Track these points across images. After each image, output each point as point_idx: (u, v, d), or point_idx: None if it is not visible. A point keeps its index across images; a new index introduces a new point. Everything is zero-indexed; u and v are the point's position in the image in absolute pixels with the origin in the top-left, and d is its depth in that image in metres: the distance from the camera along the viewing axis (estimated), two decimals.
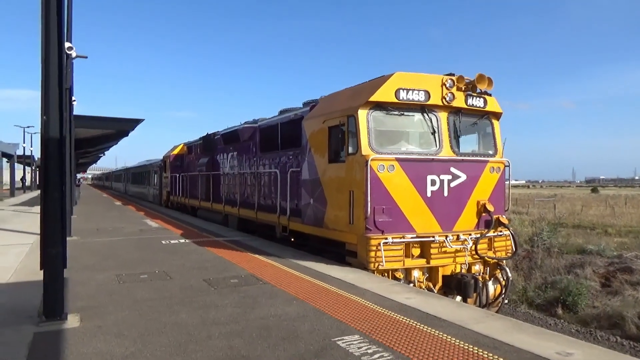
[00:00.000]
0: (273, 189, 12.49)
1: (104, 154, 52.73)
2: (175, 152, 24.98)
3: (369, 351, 4.42)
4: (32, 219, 17.33)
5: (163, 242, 12.01)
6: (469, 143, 9.33)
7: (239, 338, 4.79)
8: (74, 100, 15.74)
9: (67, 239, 6.10)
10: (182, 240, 12.28)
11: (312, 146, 9.99)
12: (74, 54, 12.94)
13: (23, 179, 55.15)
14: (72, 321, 5.26)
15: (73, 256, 8.87)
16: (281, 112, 12.83)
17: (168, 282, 7.40)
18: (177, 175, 24.00)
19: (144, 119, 22.41)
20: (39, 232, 5.67)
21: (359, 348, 4.50)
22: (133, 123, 23.11)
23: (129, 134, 26.10)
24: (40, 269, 5.30)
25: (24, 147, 47.64)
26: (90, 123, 21.29)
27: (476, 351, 4.47)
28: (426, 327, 5.17)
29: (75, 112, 16.41)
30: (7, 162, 41.43)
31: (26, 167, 56.02)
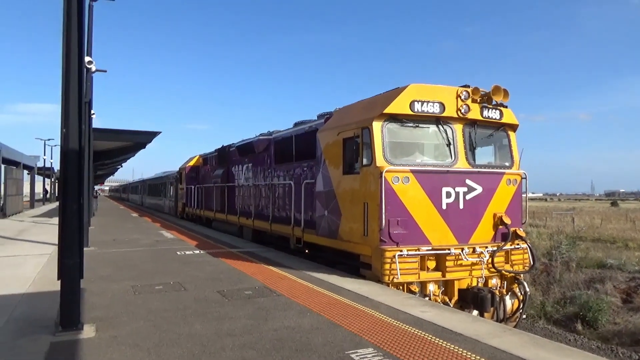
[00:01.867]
0: (287, 201, 12.44)
1: (121, 166, 53.47)
2: (191, 164, 25.15)
3: None
4: (50, 229, 17.61)
5: (178, 253, 12.09)
6: (485, 155, 9.26)
7: (253, 350, 4.77)
8: (93, 114, 16.04)
9: (84, 249, 6.18)
10: (197, 252, 12.34)
11: (326, 158, 9.97)
12: (93, 68, 13.22)
13: (45, 191, 56.21)
14: (88, 331, 5.31)
15: (90, 267, 8.97)
16: (296, 125, 12.90)
17: (182, 293, 7.43)
18: (193, 186, 24.17)
19: (160, 132, 22.70)
20: (57, 242, 5.75)
21: None
22: (150, 135, 23.40)
23: (146, 146, 26.45)
24: (58, 280, 5.37)
25: (44, 160, 48.66)
26: (108, 136, 21.64)
27: None
28: (441, 341, 5.10)
29: (94, 125, 16.72)
30: (28, 174, 42.26)
31: (46, 179, 57.09)
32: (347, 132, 9.15)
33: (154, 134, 23.20)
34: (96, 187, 64.13)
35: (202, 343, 4.98)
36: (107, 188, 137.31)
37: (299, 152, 12.20)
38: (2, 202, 26.53)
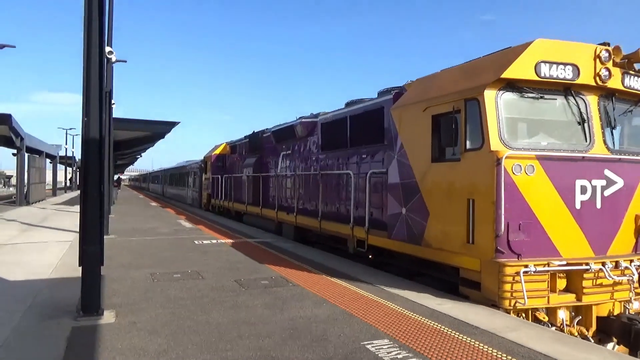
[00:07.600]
0: (344, 194, 10.92)
1: (140, 156, 54.33)
2: (217, 152, 23.63)
3: (399, 356, 4.37)
4: (72, 217, 17.97)
5: (196, 242, 12.23)
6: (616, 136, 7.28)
7: (269, 338, 4.81)
8: (113, 104, 16.28)
9: (105, 237, 6.29)
10: (215, 241, 12.47)
11: (404, 141, 8.02)
12: (113, 58, 13.41)
13: (71, 179, 57.42)
14: (108, 317, 5.42)
15: (110, 254, 9.13)
16: (348, 105, 11.31)
17: (200, 281, 7.52)
18: (220, 176, 22.27)
19: (179, 122, 22.97)
20: (78, 230, 5.87)
21: (388, 353, 4.45)
22: (169, 126, 23.73)
23: (165, 137, 26.79)
24: (79, 266, 5.48)
25: (66, 149, 49.67)
26: (127, 125, 21.99)
27: None
28: (458, 334, 5.07)
29: (114, 115, 16.96)
30: (51, 162, 43.15)
31: (67, 167, 58.23)
32: (441, 106, 7.16)
33: (172, 124, 23.51)
34: (117, 176, 64.78)
35: (219, 331, 5.04)
36: (126, 177, 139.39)
37: (358, 135, 10.53)
38: (25, 190, 27.16)
